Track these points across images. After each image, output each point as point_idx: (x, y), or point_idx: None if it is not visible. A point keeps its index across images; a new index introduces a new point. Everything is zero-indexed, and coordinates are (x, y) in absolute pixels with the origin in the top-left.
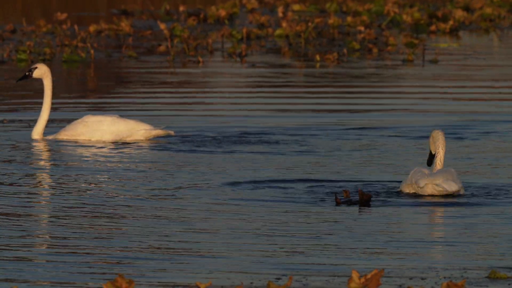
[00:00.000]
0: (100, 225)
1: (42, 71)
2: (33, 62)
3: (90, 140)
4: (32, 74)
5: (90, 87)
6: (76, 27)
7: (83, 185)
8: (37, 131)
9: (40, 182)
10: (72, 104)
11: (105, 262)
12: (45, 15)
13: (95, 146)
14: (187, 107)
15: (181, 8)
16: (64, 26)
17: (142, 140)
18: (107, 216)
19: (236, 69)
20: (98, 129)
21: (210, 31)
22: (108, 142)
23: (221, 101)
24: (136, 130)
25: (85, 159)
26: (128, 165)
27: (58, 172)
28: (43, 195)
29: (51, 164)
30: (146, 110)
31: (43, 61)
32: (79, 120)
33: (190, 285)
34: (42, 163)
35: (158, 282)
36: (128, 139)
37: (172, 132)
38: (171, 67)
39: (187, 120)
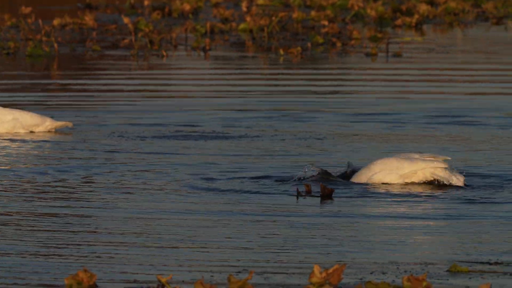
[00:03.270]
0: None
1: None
2: None
3: None
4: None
5: (51, 81)
6: (40, 21)
7: None
8: None
9: None
10: (31, 98)
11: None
12: (10, 9)
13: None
14: (138, 98)
15: (146, 2)
16: (29, 20)
17: (45, 132)
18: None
19: (198, 62)
20: (4, 121)
21: (174, 25)
22: (12, 134)
23: (173, 93)
24: (40, 123)
25: None
26: (30, 159)
27: None
28: None
29: None
30: (100, 100)
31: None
32: None
33: (151, 280)
34: None
35: (119, 279)
36: (32, 132)
37: (70, 124)
38: (134, 60)
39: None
